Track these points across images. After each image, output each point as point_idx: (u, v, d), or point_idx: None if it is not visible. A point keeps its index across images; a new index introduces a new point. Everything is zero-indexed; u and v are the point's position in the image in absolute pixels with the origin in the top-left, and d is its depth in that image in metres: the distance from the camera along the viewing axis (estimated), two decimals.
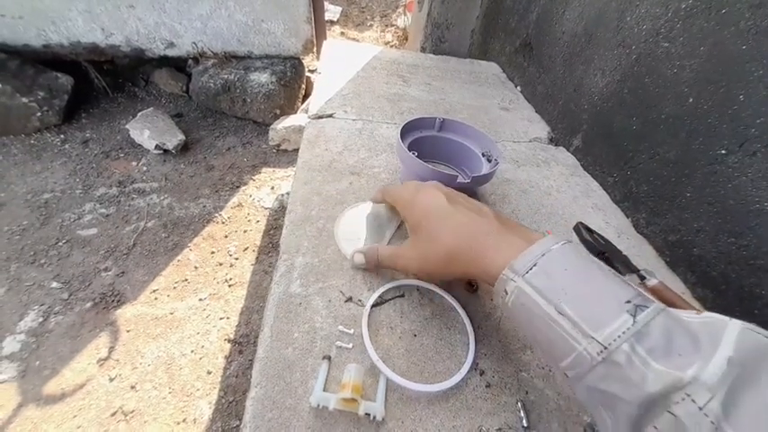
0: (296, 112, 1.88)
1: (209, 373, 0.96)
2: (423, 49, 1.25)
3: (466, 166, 0.58)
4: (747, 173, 0.43)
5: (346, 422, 0.31)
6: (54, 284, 1.08)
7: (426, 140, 0.57)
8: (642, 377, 0.20)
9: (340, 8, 3.01)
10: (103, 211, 1.32)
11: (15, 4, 1.49)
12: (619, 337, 0.21)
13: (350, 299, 0.40)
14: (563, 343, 0.23)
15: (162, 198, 1.40)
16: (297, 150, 0.64)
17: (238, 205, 1.43)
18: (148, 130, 1.57)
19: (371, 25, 2.97)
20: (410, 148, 0.53)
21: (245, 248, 1.28)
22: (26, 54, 1.59)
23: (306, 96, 2.00)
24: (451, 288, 0.42)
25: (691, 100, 0.49)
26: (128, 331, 1.00)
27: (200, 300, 1.10)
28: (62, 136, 1.59)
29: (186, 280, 1.15)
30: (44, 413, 0.84)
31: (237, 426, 0.88)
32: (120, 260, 1.17)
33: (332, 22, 2.88)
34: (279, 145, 1.72)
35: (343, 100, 0.75)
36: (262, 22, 1.78)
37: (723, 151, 0.45)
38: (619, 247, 0.44)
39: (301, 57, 1.95)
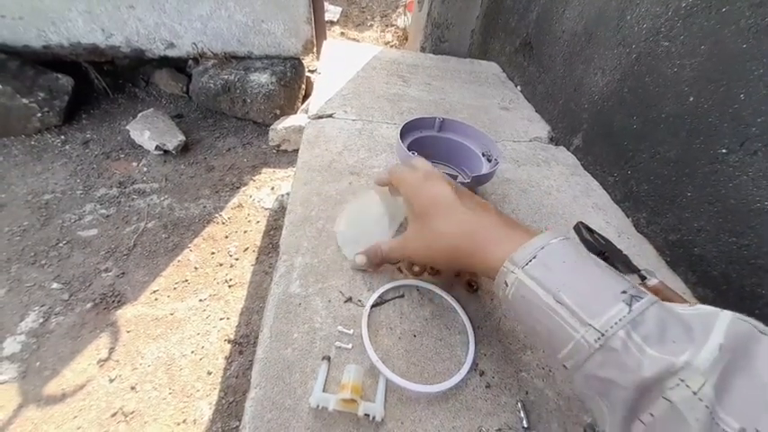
0: (296, 113, 1.88)
1: (209, 373, 0.95)
2: (423, 49, 1.25)
3: (466, 165, 0.58)
4: (748, 172, 0.43)
5: (346, 423, 0.31)
6: (54, 285, 1.08)
7: (426, 140, 0.57)
8: (638, 363, 0.21)
9: (340, 8, 3.01)
10: (104, 211, 1.32)
11: (15, 5, 1.49)
12: (615, 324, 0.22)
13: (349, 299, 0.40)
14: (561, 332, 0.24)
15: (162, 199, 1.40)
16: (297, 151, 0.64)
17: (238, 206, 1.43)
18: (149, 131, 1.57)
19: (371, 25, 2.97)
20: (410, 148, 0.53)
21: (246, 249, 1.28)
22: (26, 55, 1.59)
23: (306, 97, 2.00)
24: (451, 288, 0.42)
25: (691, 99, 0.49)
26: (128, 332, 1.00)
27: (201, 300, 1.10)
28: (62, 137, 1.59)
29: (186, 281, 1.15)
30: (44, 414, 0.84)
31: (237, 426, 0.88)
32: (120, 261, 1.17)
33: (332, 23, 2.88)
34: (279, 145, 1.72)
35: (343, 100, 0.75)
36: (262, 22, 1.78)
37: (724, 150, 0.45)
38: (619, 247, 0.44)
39: (301, 57, 1.95)
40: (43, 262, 1.13)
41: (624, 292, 0.23)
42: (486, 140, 0.55)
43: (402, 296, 0.41)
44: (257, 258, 1.25)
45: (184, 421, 0.87)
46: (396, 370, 0.34)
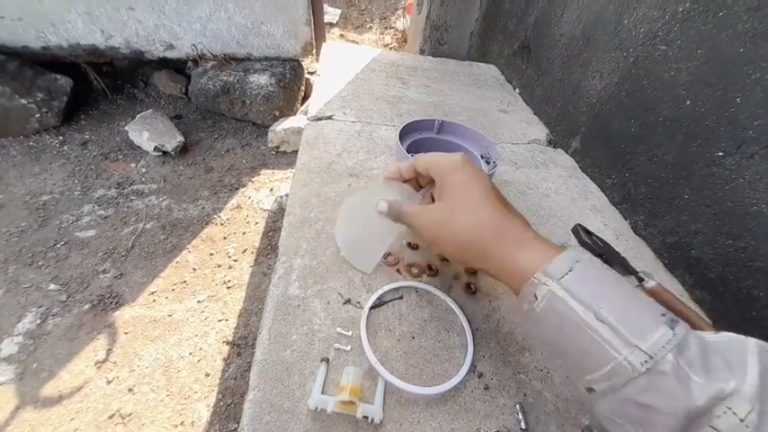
0: (295, 114, 1.88)
1: (207, 375, 0.95)
2: (422, 52, 1.26)
3: None
4: (745, 175, 0.43)
5: (344, 425, 0.31)
6: (52, 286, 1.07)
7: (425, 142, 0.57)
8: (686, 389, 0.20)
9: (339, 10, 3.02)
10: (102, 212, 1.31)
11: (15, 6, 1.49)
12: (663, 347, 0.21)
13: (348, 301, 0.40)
14: (599, 352, 0.23)
15: (161, 200, 1.40)
16: (296, 152, 0.64)
17: (237, 207, 1.43)
18: (147, 132, 1.57)
19: (371, 27, 2.98)
20: (409, 149, 0.53)
21: (244, 250, 1.28)
22: (25, 56, 1.59)
23: (305, 98, 2.00)
24: (450, 290, 0.42)
25: (688, 102, 0.50)
26: (126, 333, 1.00)
27: (199, 302, 1.10)
28: (61, 137, 1.59)
29: (185, 282, 1.15)
30: (41, 416, 0.84)
31: (236, 429, 0.88)
32: (118, 262, 1.16)
33: (331, 25, 2.89)
34: (278, 147, 1.72)
35: (343, 102, 0.75)
36: (261, 24, 1.79)
37: (720, 153, 0.46)
38: (617, 249, 0.44)
39: (300, 59, 1.95)
40: (41, 263, 1.13)
41: (664, 314, 0.23)
42: (485, 142, 0.56)
43: (401, 298, 0.41)
44: (256, 260, 1.25)
45: (182, 423, 0.86)
46: (394, 372, 0.34)
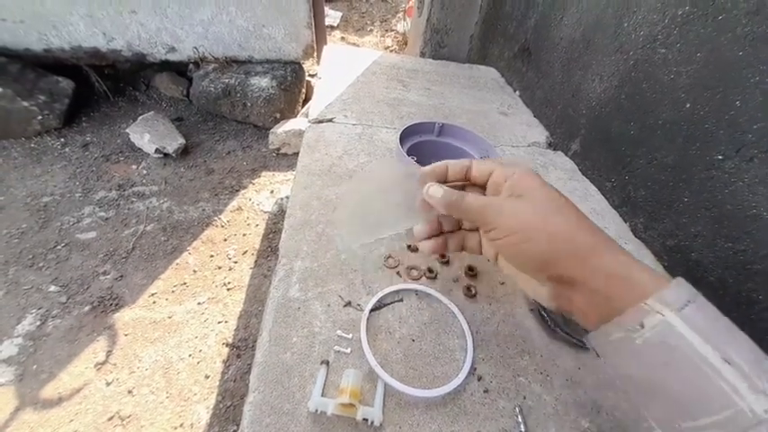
0: (296, 117, 1.88)
1: (206, 377, 0.95)
2: (422, 54, 1.26)
3: None
4: (744, 178, 0.43)
5: (344, 427, 0.31)
6: (52, 288, 1.08)
7: (426, 145, 0.57)
8: None
9: (340, 13, 3.03)
10: (103, 214, 1.32)
11: (17, 9, 1.50)
12: None
13: (348, 303, 0.40)
14: (719, 395, 0.20)
15: (161, 202, 1.40)
16: (297, 154, 0.64)
17: (238, 209, 1.43)
18: (149, 134, 1.57)
19: (371, 30, 2.99)
20: (409, 152, 0.53)
21: (245, 252, 1.28)
22: (27, 58, 1.59)
23: (306, 101, 2.01)
24: (450, 293, 0.42)
25: (688, 105, 0.50)
26: (126, 335, 1.00)
27: (199, 303, 1.10)
28: (62, 139, 1.59)
29: (185, 284, 1.15)
30: (41, 417, 0.84)
31: (235, 431, 0.87)
32: (118, 264, 1.17)
33: (332, 27, 2.90)
34: (279, 149, 1.72)
35: (343, 104, 0.76)
36: (263, 27, 1.79)
37: (720, 156, 0.46)
38: None
39: (302, 61, 1.96)
40: (41, 264, 1.13)
41: None
42: (485, 145, 0.56)
43: (401, 300, 0.41)
44: (256, 262, 1.25)
45: (181, 425, 0.86)
46: (394, 374, 0.34)
